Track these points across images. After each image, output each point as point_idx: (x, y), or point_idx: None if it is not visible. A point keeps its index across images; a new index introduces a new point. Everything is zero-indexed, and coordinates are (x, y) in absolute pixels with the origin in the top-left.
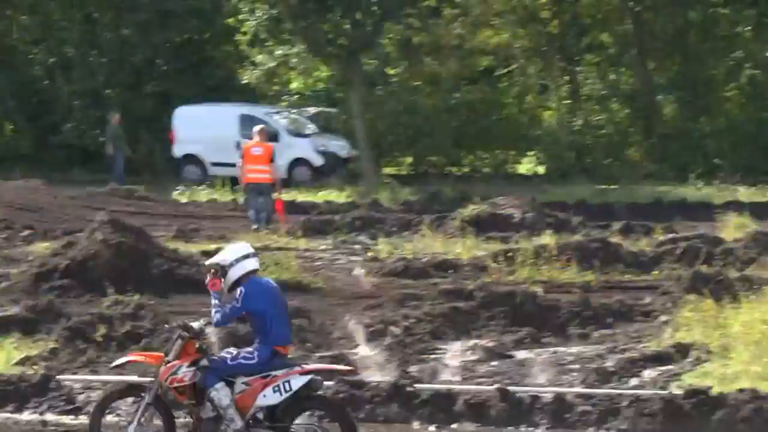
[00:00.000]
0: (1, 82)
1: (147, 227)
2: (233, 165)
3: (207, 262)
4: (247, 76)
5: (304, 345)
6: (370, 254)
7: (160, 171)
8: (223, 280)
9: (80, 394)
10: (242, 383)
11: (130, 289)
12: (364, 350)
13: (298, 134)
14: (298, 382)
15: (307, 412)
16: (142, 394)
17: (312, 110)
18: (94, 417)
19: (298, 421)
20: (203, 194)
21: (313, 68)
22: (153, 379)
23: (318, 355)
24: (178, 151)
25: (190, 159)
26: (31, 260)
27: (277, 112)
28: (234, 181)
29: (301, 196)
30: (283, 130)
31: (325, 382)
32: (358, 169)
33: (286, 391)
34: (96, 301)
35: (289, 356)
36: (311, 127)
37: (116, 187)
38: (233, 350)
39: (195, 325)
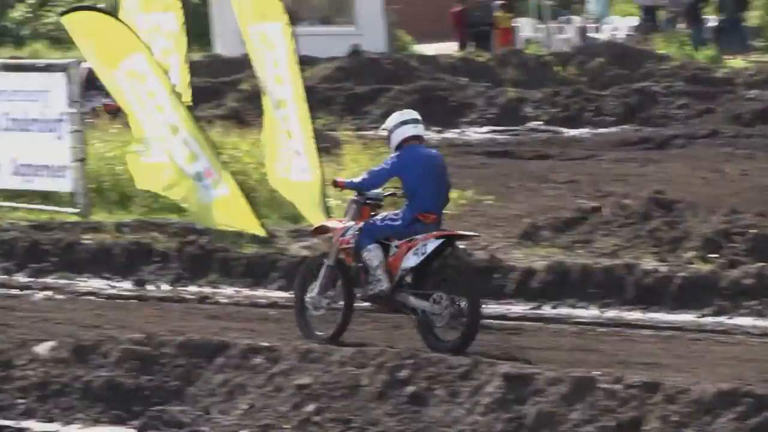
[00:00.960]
0: None
1: None
2: None
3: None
4: None
5: None
6: None
7: None
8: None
9: None
10: (395, 246)
11: None
12: None
13: None
14: (432, 244)
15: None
16: (324, 259)
17: None
18: (297, 292)
19: (438, 291)
20: None
21: None
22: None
23: None
24: None
25: None
26: None
27: None
28: None
29: None
30: None
31: None
32: None
33: (422, 254)
34: None
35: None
36: None
37: None
38: (386, 213)
39: (371, 192)
